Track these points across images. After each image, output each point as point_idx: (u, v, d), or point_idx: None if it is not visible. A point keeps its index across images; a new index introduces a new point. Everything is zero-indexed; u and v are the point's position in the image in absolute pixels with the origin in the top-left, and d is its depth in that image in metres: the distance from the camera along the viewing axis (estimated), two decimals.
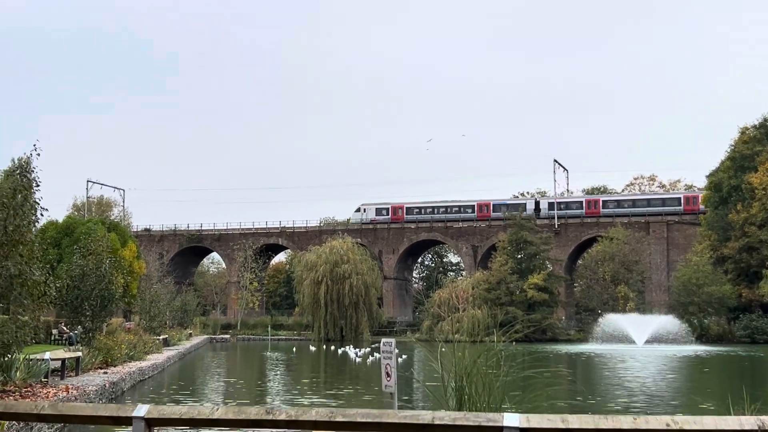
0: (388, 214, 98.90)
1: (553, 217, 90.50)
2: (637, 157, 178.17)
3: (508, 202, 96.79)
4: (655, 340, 62.28)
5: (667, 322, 64.95)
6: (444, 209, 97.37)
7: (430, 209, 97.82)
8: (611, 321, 66.81)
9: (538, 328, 71.11)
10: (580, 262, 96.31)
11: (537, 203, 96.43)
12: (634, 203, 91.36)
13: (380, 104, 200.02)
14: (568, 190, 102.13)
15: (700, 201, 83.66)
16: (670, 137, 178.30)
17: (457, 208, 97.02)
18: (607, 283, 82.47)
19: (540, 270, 76.99)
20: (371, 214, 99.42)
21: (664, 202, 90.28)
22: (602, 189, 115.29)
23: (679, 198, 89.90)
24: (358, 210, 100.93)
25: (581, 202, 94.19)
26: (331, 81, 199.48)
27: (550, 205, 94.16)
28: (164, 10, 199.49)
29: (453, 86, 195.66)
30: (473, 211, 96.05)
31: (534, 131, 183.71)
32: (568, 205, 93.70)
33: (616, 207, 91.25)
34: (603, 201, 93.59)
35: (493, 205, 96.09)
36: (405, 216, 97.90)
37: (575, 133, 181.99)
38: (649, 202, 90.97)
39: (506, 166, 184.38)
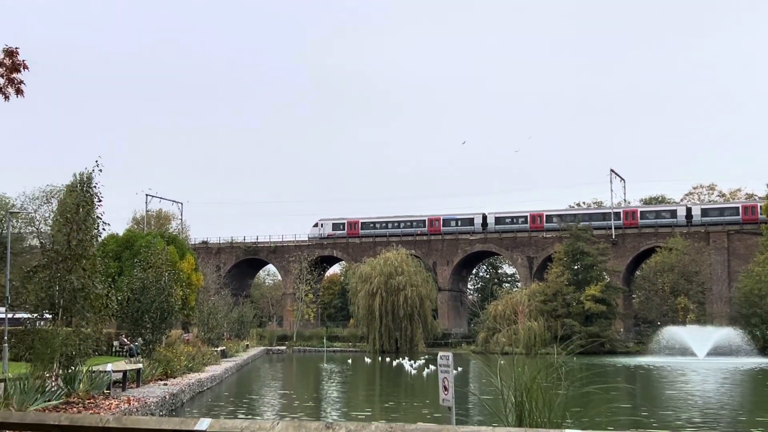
0: (344, 229, 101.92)
1: (610, 228, 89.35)
2: (696, 166, 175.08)
3: (457, 216, 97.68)
4: (717, 352, 61.01)
5: (728, 334, 63.59)
6: (396, 224, 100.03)
7: (384, 224, 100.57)
8: (671, 333, 65.73)
9: (596, 341, 70.22)
10: (638, 272, 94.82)
11: (484, 217, 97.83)
12: (591, 216, 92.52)
13: (430, 115, 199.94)
14: (625, 200, 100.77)
15: (759, 210, 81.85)
16: (730, 146, 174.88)
17: (408, 223, 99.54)
18: (666, 295, 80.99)
19: (597, 281, 75.99)
20: (328, 229, 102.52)
21: (604, 216, 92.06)
22: (660, 199, 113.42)
23: (618, 212, 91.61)
24: (316, 225, 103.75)
25: (526, 216, 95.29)
26: (386, 90, 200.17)
27: (497, 219, 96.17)
28: (218, 27, 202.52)
29: (507, 95, 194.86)
30: (425, 225, 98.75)
31: (591, 141, 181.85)
32: (513, 220, 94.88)
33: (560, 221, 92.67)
34: (547, 216, 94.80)
35: (443, 219, 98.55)
36: (360, 231, 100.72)
37: (633, 142, 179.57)
38: (604, 216, 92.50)
39: (563, 177, 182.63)
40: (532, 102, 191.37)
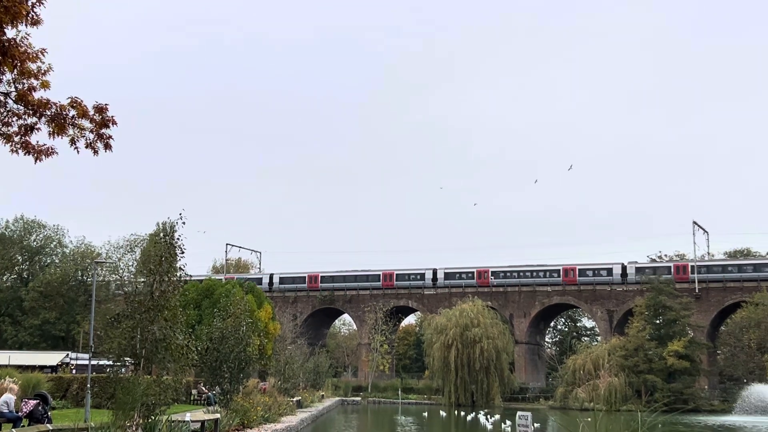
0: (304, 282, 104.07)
1: (694, 281, 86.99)
2: None
3: (535, 268, 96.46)
4: None
5: None
6: (353, 278, 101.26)
7: (341, 278, 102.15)
8: (758, 391, 63.32)
9: (679, 398, 68.03)
10: (723, 328, 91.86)
11: (434, 272, 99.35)
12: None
13: (509, 165, 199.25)
14: (708, 253, 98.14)
15: None
16: None
17: (365, 277, 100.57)
18: (752, 351, 78.07)
19: (680, 336, 73.82)
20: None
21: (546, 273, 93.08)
22: (745, 252, 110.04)
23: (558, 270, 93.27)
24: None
25: (472, 272, 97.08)
26: (458, 140, 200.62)
27: (446, 275, 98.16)
28: (300, 74, 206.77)
29: (589, 147, 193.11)
30: (378, 280, 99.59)
31: (674, 192, 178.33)
32: (595, 273, 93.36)
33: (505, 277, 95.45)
34: (492, 271, 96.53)
35: (397, 274, 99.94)
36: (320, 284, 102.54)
37: (717, 194, 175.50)
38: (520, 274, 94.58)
39: (645, 229, 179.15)
40: (613, 152, 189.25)
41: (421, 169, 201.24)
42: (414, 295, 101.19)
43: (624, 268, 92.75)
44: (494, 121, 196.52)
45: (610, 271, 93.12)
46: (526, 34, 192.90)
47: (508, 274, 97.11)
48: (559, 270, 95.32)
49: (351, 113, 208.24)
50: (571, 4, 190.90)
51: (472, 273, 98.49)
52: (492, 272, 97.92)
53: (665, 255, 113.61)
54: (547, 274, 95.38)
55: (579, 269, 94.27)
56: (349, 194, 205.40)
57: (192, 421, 24.85)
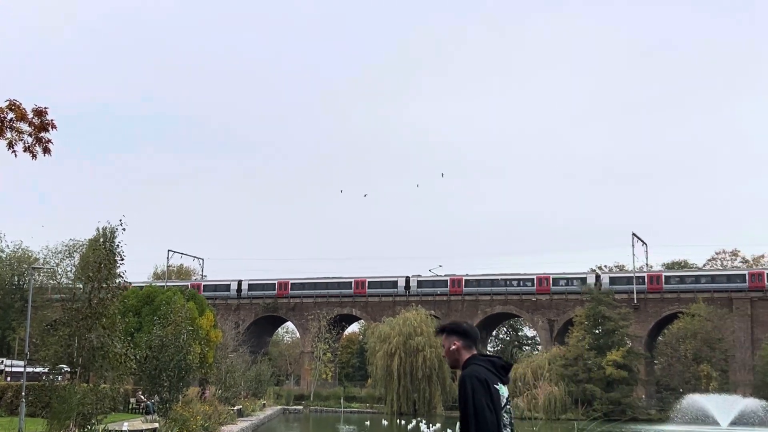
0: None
1: (632, 292, 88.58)
2: (721, 231, 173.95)
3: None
4: (741, 422, 59.87)
5: (752, 404, 62.42)
6: (417, 283, 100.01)
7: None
8: (694, 401, 64.59)
9: (617, 407, 69.13)
10: (660, 338, 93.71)
11: (407, 280, 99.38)
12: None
13: (456, 175, 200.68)
14: (647, 264, 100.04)
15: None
16: (755, 211, 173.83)
17: (429, 282, 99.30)
18: (689, 361, 79.81)
19: (619, 346, 75.00)
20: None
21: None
22: (683, 263, 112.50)
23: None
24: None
25: (445, 281, 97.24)
26: (407, 149, 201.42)
27: (419, 283, 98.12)
28: (237, 83, 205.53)
29: (530, 158, 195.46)
30: (446, 286, 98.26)
31: (613, 204, 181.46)
32: (434, 284, 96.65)
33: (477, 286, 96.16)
34: (465, 280, 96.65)
35: (465, 280, 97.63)
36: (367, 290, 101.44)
37: (656, 206, 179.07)
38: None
39: (585, 240, 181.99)
40: (554, 165, 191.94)
41: (376, 175, 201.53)
42: (358, 303, 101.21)
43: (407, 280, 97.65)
44: (435, 135, 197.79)
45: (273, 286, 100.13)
46: (482, 45, 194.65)
47: (454, 283, 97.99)
48: (446, 281, 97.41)
49: (295, 123, 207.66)
50: (522, 18, 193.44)
51: (445, 281, 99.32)
52: (419, 281, 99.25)
53: (605, 266, 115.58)
54: (487, 283, 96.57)
55: (465, 280, 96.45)
56: (297, 203, 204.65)
57: (129, 431, 24.47)
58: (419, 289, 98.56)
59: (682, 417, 63.28)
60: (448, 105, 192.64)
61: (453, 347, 6.93)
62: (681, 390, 75.86)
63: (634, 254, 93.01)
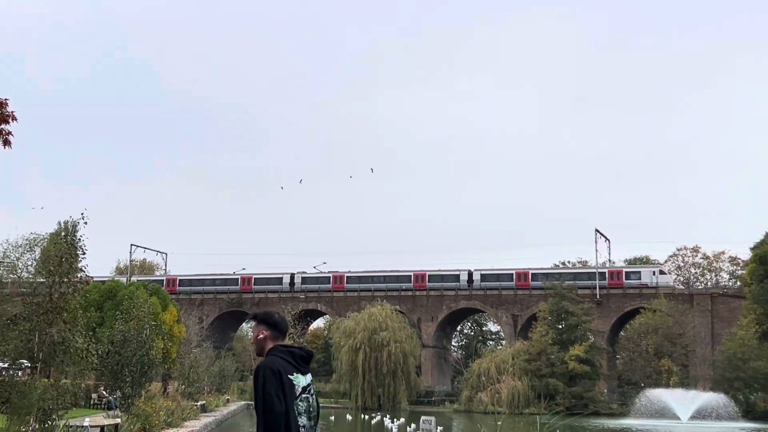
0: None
1: (595, 287, 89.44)
2: (682, 228, 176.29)
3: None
4: (701, 416, 60.76)
5: (712, 398, 63.39)
6: (381, 279, 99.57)
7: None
8: (655, 396, 65.42)
9: (579, 402, 69.78)
10: (622, 333, 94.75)
11: (470, 274, 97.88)
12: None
13: (429, 170, 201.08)
14: (609, 260, 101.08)
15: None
16: (715, 208, 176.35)
17: (393, 278, 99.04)
18: (650, 356, 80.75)
19: (581, 341, 75.68)
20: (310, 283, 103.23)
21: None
22: (645, 259, 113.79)
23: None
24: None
25: (511, 274, 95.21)
26: (373, 144, 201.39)
27: (483, 276, 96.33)
28: (203, 75, 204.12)
29: (495, 155, 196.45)
30: (410, 281, 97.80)
31: (578, 201, 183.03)
32: (498, 277, 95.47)
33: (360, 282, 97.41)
34: (533, 273, 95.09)
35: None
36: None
37: (619, 203, 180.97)
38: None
39: (550, 236, 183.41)
40: (518, 162, 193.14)
41: (340, 169, 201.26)
42: (323, 299, 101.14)
43: (470, 274, 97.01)
44: (391, 129, 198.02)
45: (456, 277, 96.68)
46: (446, 45, 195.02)
47: (363, 278, 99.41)
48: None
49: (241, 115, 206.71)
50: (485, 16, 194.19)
51: (328, 278, 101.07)
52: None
53: (569, 262, 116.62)
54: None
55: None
56: (262, 197, 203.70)
57: (91, 426, 24.23)
58: (303, 286, 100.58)
59: (643, 411, 64.05)
60: (413, 101, 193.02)
61: (261, 336, 7.18)
62: (642, 384, 76.75)
63: (596, 250, 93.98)
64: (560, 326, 77.52)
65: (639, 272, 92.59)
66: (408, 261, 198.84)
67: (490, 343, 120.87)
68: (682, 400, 62.67)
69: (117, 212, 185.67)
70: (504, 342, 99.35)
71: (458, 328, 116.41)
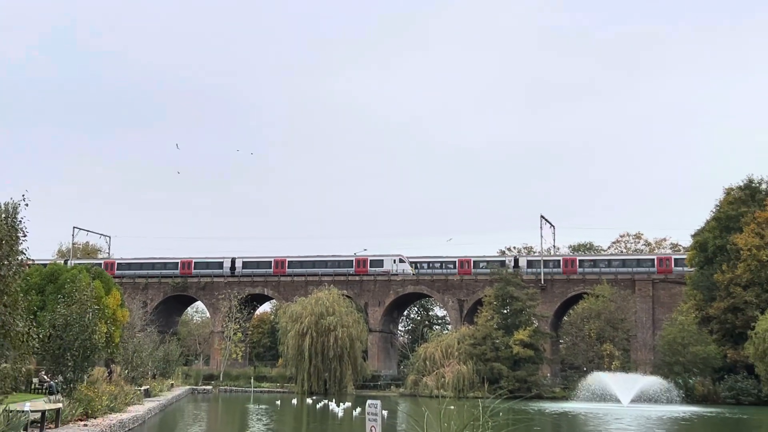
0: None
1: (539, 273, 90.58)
2: (625, 214, 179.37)
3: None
4: (641, 399, 61.95)
5: (652, 382, 64.65)
6: (323, 264, 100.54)
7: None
8: (596, 379, 66.42)
9: (523, 385, 70.60)
10: (565, 318, 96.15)
11: (233, 261, 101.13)
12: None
13: (371, 155, 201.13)
14: (554, 246, 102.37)
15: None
16: (658, 196, 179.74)
17: (335, 263, 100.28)
18: (592, 341, 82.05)
19: (526, 326, 76.43)
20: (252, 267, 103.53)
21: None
22: (588, 246, 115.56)
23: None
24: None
25: (269, 262, 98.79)
26: (323, 128, 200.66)
27: (429, 264, 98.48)
28: (156, 56, 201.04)
29: (441, 142, 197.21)
30: (352, 266, 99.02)
31: (522, 188, 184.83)
32: (443, 265, 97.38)
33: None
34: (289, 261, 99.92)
35: (371, 260, 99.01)
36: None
37: (564, 190, 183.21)
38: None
39: (493, 222, 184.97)
40: (464, 150, 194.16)
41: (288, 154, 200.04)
42: (270, 283, 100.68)
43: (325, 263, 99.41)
44: (336, 111, 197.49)
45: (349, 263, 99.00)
46: (394, 33, 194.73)
47: (305, 263, 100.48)
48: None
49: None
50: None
51: (269, 262, 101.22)
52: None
53: (514, 248, 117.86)
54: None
55: (426, 261, 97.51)
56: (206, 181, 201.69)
57: (32, 411, 23.78)
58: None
59: (585, 395, 65.04)
60: (361, 84, 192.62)
61: None
62: (584, 368, 77.95)
63: (542, 236, 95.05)
64: (505, 311, 78.20)
65: (381, 260, 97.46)
66: (349, 246, 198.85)
67: (437, 327, 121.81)
68: (624, 384, 63.80)
69: (59, 195, 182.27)
70: (450, 326, 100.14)
71: (405, 312, 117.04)
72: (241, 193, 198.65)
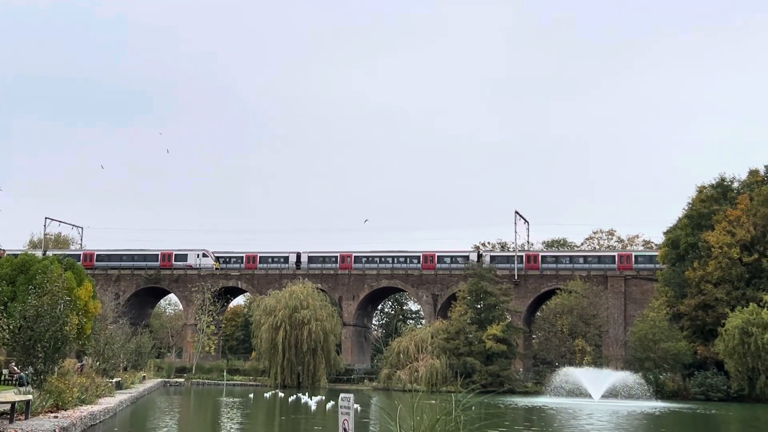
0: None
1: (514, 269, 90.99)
2: (599, 211, 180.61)
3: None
4: (612, 395, 62.43)
5: (623, 378, 65.17)
6: (119, 257, 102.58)
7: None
8: (568, 374, 66.86)
9: (495, 380, 70.93)
10: (538, 314, 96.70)
11: (298, 255, 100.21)
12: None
13: (353, 149, 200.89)
14: (528, 242, 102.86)
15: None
16: (630, 193, 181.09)
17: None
18: (564, 336, 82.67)
19: (499, 321, 76.79)
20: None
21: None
22: (562, 242, 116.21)
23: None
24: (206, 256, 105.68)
25: (335, 257, 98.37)
26: (302, 121, 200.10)
27: (310, 258, 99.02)
28: (133, 48, 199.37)
29: (420, 137, 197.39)
30: (336, 262, 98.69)
31: (497, 183, 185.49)
32: (324, 260, 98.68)
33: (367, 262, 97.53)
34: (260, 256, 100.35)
35: (355, 256, 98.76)
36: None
37: (539, 185, 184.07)
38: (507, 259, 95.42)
39: (469, 218, 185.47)
40: (442, 145, 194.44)
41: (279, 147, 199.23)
42: (244, 276, 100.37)
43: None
44: (316, 106, 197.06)
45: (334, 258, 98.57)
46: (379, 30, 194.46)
47: (275, 259, 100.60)
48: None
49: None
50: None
51: (241, 257, 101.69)
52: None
53: (488, 243, 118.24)
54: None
55: (355, 256, 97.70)
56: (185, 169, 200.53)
57: (1, 402, 23.56)
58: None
59: (557, 390, 65.46)
60: (340, 78, 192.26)
61: None
62: (557, 363, 78.45)
63: (516, 232, 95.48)
64: (479, 306, 78.53)
65: (186, 255, 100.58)
66: (323, 241, 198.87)
67: (410, 322, 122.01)
68: (595, 379, 64.26)
69: (31, 185, 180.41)
70: (424, 321, 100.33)
71: (379, 307, 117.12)
72: (221, 189, 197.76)
